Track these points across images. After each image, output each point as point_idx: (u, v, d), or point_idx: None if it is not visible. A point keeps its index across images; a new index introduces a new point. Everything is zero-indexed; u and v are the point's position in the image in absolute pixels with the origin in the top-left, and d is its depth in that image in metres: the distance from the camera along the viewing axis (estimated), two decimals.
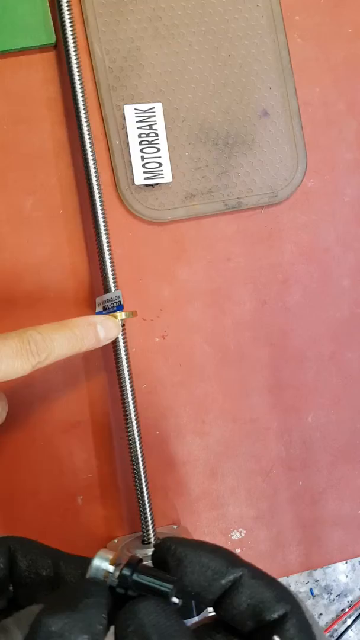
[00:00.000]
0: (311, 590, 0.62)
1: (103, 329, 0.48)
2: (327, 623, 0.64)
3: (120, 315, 0.52)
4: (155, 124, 0.57)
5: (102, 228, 0.54)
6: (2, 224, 0.55)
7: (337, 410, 0.61)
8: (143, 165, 0.57)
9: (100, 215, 0.54)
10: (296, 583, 0.62)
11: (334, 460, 0.61)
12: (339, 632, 0.64)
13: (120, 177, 0.57)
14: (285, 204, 0.60)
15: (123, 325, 0.54)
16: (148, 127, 0.57)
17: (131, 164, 0.57)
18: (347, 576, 0.64)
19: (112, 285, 0.54)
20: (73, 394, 0.56)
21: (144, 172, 0.57)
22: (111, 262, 0.54)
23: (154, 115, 0.57)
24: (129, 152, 0.57)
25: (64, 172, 0.56)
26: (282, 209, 0.60)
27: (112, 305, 0.53)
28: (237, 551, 0.59)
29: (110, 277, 0.54)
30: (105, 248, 0.54)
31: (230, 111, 0.58)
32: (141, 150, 0.57)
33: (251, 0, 0.59)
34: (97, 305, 0.55)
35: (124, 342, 0.54)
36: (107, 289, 0.54)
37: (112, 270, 0.54)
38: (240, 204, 0.59)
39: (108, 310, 0.53)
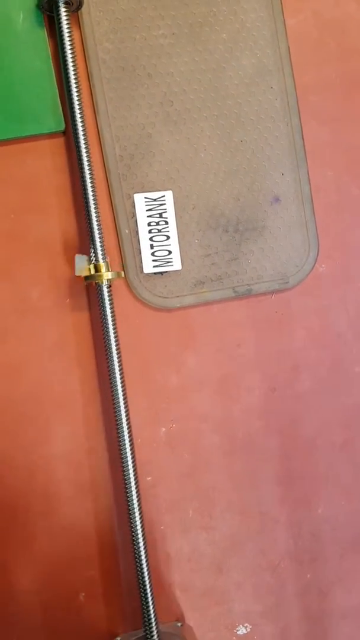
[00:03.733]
0: None
1: None
2: None
3: None
4: (165, 212, 0.57)
5: (110, 320, 0.53)
6: (7, 313, 0.55)
7: (348, 501, 0.60)
8: (152, 254, 0.56)
9: (107, 306, 0.53)
10: None
11: (343, 553, 0.60)
12: None
13: (129, 266, 0.56)
14: (296, 290, 0.60)
15: (126, 403, 0.53)
16: (158, 215, 0.56)
17: (140, 252, 0.56)
18: None
19: (117, 374, 0.53)
20: (75, 488, 0.55)
21: (153, 260, 0.56)
22: (119, 356, 0.53)
23: (164, 204, 0.57)
24: (138, 240, 0.56)
25: (71, 261, 0.55)
26: (293, 294, 0.60)
27: None
28: None
29: (117, 369, 0.53)
30: (113, 340, 0.53)
31: (241, 197, 0.58)
32: (150, 239, 0.56)
33: (265, 83, 0.58)
34: None
35: (128, 433, 0.53)
36: (113, 379, 0.53)
37: (120, 366, 0.54)
38: (250, 291, 0.58)
39: None
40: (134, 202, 0.56)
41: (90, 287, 0.56)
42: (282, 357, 0.60)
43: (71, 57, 0.53)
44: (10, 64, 0.54)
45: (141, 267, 0.57)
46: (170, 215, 0.57)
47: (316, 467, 0.60)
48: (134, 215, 0.57)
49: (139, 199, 0.56)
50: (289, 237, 0.59)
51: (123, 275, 0.55)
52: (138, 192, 0.56)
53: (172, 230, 0.57)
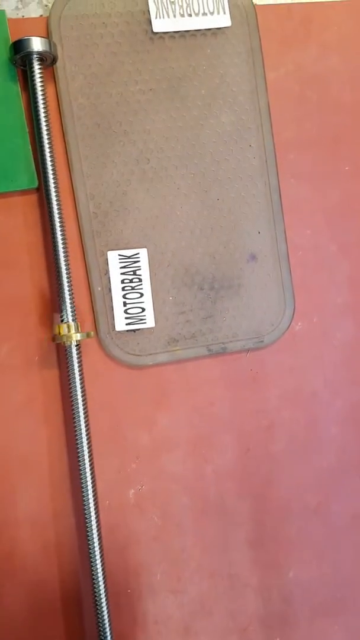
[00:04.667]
0: None
1: None
2: None
3: None
4: (140, 269, 0.56)
5: (78, 380, 0.53)
6: None
7: (319, 564, 0.59)
8: (125, 311, 0.56)
9: (76, 367, 0.52)
10: None
11: (313, 616, 0.59)
12: None
13: (100, 323, 0.55)
14: (271, 348, 0.59)
15: (94, 481, 0.52)
16: (132, 273, 0.56)
17: (112, 309, 0.56)
18: None
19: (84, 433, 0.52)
20: (41, 550, 0.54)
21: (126, 318, 0.56)
22: (86, 417, 0.53)
23: (139, 261, 0.56)
24: (111, 298, 0.56)
25: (42, 320, 0.55)
26: (268, 352, 0.59)
27: None
28: None
29: (84, 430, 0.52)
30: (80, 400, 0.52)
31: (217, 255, 0.57)
32: (124, 296, 0.56)
33: (244, 140, 0.58)
34: None
35: (93, 496, 0.52)
36: (79, 439, 0.52)
37: (87, 427, 0.53)
38: (225, 349, 0.58)
39: None
40: (107, 260, 0.56)
41: (60, 345, 0.55)
42: (257, 417, 0.59)
43: (44, 114, 0.53)
44: None
45: (113, 325, 0.56)
46: (145, 272, 0.56)
47: (288, 530, 0.59)
48: (107, 272, 0.56)
49: (113, 256, 0.56)
50: (265, 295, 0.59)
51: (93, 335, 0.54)
52: (112, 250, 0.56)
53: (146, 287, 0.56)
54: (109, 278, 0.56)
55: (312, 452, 0.60)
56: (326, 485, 0.60)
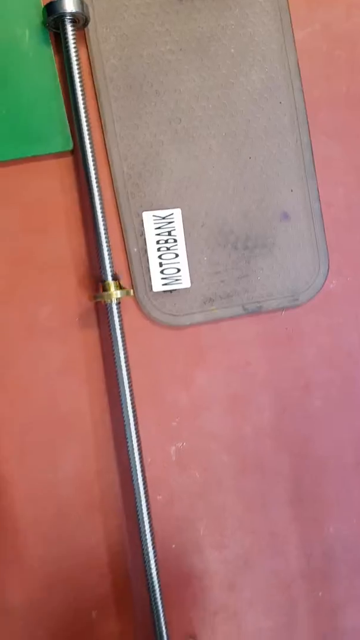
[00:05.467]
0: None
1: None
2: None
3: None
4: (174, 229, 0.56)
5: (119, 338, 0.53)
6: (16, 335, 0.55)
7: (359, 521, 0.60)
8: (161, 272, 0.56)
9: (117, 324, 0.53)
10: None
11: (354, 572, 0.60)
12: None
13: (138, 284, 0.56)
14: (306, 307, 0.59)
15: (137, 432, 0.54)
16: (167, 234, 0.56)
17: (149, 270, 0.56)
18: None
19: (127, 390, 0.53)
20: (86, 509, 0.55)
21: (162, 279, 0.56)
22: (128, 374, 0.54)
23: (173, 222, 0.56)
24: (147, 259, 0.56)
25: (81, 281, 0.55)
26: (303, 311, 0.59)
27: None
28: None
29: (127, 388, 0.53)
30: (122, 358, 0.53)
31: (250, 214, 0.58)
32: (159, 257, 0.56)
33: (274, 98, 0.58)
34: None
35: (138, 453, 0.53)
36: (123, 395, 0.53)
37: (130, 385, 0.54)
38: (260, 308, 0.58)
39: None
40: (142, 221, 0.56)
41: (100, 306, 0.56)
42: (293, 376, 0.60)
43: (78, 76, 0.53)
44: (17, 83, 0.54)
45: (150, 286, 0.57)
46: (179, 233, 0.57)
47: (327, 487, 0.60)
48: (142, 233, 0.56)
49: (148, 217, 0.56)
50: (299, 254, 0.59)
51: (132, 293, 0.55)
52: (147, 210, 0.56)
53: (181, 248, 0.57)
54: (144, 239, 0.57)
55: (349, 410, 0.60)
56: None
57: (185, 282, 0.57)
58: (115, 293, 0.53)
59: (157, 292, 0.57)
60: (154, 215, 0.57)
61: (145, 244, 0.57)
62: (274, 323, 0.60)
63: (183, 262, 0.57)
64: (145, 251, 0.57)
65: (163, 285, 0.57)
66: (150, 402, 0.58)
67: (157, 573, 0.55)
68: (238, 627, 0.59)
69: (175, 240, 0.57)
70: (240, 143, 0.58)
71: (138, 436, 0.54)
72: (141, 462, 0.54)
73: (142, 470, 0.54)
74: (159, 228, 0.57)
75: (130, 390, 0.54)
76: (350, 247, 0.60)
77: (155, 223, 0.57)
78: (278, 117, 0.59)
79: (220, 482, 0.58)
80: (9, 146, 0.54)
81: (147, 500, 0.54)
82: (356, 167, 0.60)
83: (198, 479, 0.58)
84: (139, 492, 0.54)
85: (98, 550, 0.56)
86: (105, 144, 0.56)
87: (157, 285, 0.57)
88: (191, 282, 0.58)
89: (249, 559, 0.59)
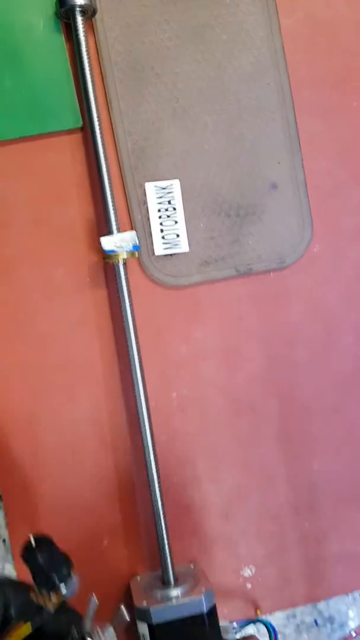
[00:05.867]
0: (315, 620, 0.69)
1: None
2: None
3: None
4: (174, 199, 0.63)
5: (126, 295, 0.60)
6: (36, 293, 0.62)
7: (340, 458, 0.68)
8: (162, 237, 0.63)
9: (124, 282, 0.60)
10: (302, 614, 0.68)
11: (336, 504, 0.68)
12: None
13: (141, 248, 0.63)
14: (292, 268, 0.66)
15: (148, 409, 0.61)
16: (167, 202, 0.63)
17: (151, 235, 0.63)
18: (348, 607, 0.70)
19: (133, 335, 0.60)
20: (98, 444, 0.63)
21: (163, 243, 0.63)
22: (134, 328, 0.60)
23: (172, 192, 0.63)
24: (150, 225, 0.63)
25: (91, 245, 0.62)
26: (289, 273, 0.66)
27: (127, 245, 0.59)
28: (248, 586, 0.66)
29: (134, 340, 0.60)
30: (129, 313, 0.60)
31: (241, 185, 0.65)
32: (161, 224, 0.63)
33: (262, 80, 0.65)
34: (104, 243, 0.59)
35: (144, 397, 0.60)
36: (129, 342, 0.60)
37: (134, 330, 0.60)
38: (251, 270, 0.65)
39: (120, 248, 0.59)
40: (145, 191, 0.63)
41: (108, 267, 0.63)
42: (280, 330, 0.67)
43: (87, 60, 0.60)
44: (33, 67, 0.61)
45: (152, 250, 0.64)
46: (178, 202, 0.64)
47: (311, 428, 0.67)
48: (145, 202, 0.63)
49: (150, 187, 0.63)
50: (286, 220, 0.66)
51: (137, 255, 0.62)
52: (149, 181, 0.63)
53: (180, 215, 0.64)
54: (147, 207, 0.63)
55: (329, 359, 0.68)
56: (343, 389, 0.68)
57: (184, 246, 0.64)
58: (122, 254, 0.60)
59: (159, 256, 0.64)
60: (155, 186, 0.63)
61: (148, 212, 0.64)
62: (263, 283, 0.67)
63: (182, 228, 0.64)
64: (148, 218, 0.64)
65: (164, 249, 0.64)
66: (153, 354, 0.65)
67: (162, 504, 0.62)
68: (233, 554, 0.66)
69: (174, 209, 0.64)
70: (232, 120, 0.65)
71: (144, 383, 0.61)
72: (147, 405, 0.61)
73: (148, 413, 0.62)
74: (160, 197, 0.64)
75: (137, 342, 0.61)
76: (332, 215, 0.67)
77: (156, 193, 0.63)
78: (266, 96, 0.65)
79: (216, 423, 0.66)
80: (26, 124, 0.61)
81: (152, 439, 0.62)
82: (336, 141, 0.67)
83: (196, 420, 0.65)
84: (146, 432, 0.62)
85: (109, 482, 0.63)
86: (111, 122, 0.63)
87: (159, 249, 0.64)
88: (189, 247, 0.64)
89: (242, 492, 0.66)
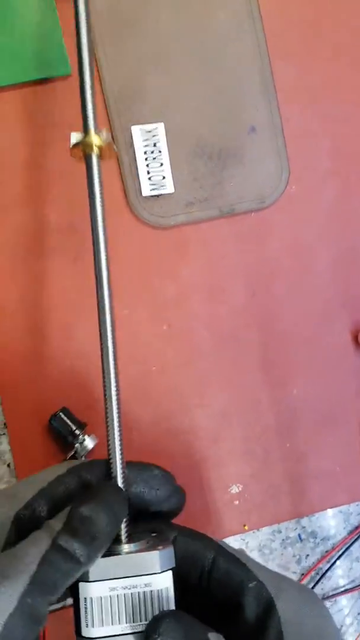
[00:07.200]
0: (299, 535, 0.76)
1: None
2: (313, 562, 0.77)
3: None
4: (159, 141, 0.68)
5: (97, 190, 0.51)
6: (32, 236, 0.66)
7: (317, 384, 0.74)
8: (149, 179, 0.67)
9: (96, 175, 0.50)
10: (286, 529, 0.75)
11: (315, 426, 0.74)
12: (324, 570, 0.78)
13: (129, 189, 0.67)
14: (272, 208, 0.71)
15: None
16: (152, 145, 0.67)
17: (138, 177, 0.67)
18: (329, 523, 0.77)
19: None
20: (95, 378, 0.68)
21: (150, 185, 0.68)
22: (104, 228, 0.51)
23: (157, 135, 0.67)
24: (137, 167, 0.67)
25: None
26: (269, 212, 0.71)
27: None
28: (236, 503, 0.72)
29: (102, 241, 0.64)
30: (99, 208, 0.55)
31: (222, 129, 0.69)
32: (147, 165, 0.67)
33: (239, 29, 0.69)
34: None
35: (110, 317, 0.65)
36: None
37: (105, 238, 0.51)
38: (233, 210, 0.70)
39: None
40: (131, 134, 0.67)
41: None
42: (261, 266, 0.72)
43: (76, 9, 0.63)
44: (22, 16, 0.64)
45: (140, 191, 0.68)
46: (163, 145, 0.68)
47: (290, 356, 0.73)
48: (132, 145, 0.67)
49: (136, 130, 0.67)
50: (265, 163, 0.71)
51: (114, 148, 0.53)
52: (134, 125, 0.67)
53: (165, 158, 0.68)
54: (134, 150, 0.68)
55: (307, 293, 0.73)
56: (319, 321, 0.74)
57: (169, 187, 0.69)
58: (94, 138, 0.50)
59: (146, 197, 0.69)
60: (140, 129, 0.68)
61: (135, 154, 0.68)
62: (245, 223, 0.72)
63: (167, 170, 0.69)
64: (135, 160, 0.68)
65: (151, 190, 0.68)
66: (142, 293, 0.70)
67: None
68: (220, 472, 0.72)
69: (160, 151, 0.68)
70: (212, 68, 0.69)
71: (111, 298, 0.51)
72: (112, 329, 0.53)
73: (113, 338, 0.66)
74: (145, 140, 0.68)
75: (105, 244, 0.51)
76: (306, 157, 0.72)
77: (142, 136, 0.68)
78: (243, 44, 0.69)
79: (202, 354, 0.71)
80: (17, 71, 0.65)
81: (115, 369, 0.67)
82: (307, 87, 0.72)
83: (184, 352, 0.71)
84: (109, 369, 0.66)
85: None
86: (98, 69, 0.66)
87: (146, 190, 0.68)
88: (174, 188, 0.69)
89: (227, 416, 0.72)
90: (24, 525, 0.35)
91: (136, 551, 0.36)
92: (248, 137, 0.70)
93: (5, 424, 0.68)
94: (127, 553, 0.36)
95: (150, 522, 0.42)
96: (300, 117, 0.72)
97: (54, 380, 0.69)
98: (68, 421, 0.65)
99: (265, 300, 0.73)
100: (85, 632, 0.35)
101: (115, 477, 0.40)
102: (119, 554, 0.36)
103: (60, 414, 0.65)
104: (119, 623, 0.34)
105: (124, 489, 0.40)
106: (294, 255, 0.73)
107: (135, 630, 0.34)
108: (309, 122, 0.73)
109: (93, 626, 0.34)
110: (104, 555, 0.35)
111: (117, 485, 0.39)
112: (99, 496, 0.36)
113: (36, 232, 0.67)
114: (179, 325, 0.71)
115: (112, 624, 0.34)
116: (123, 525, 0.38)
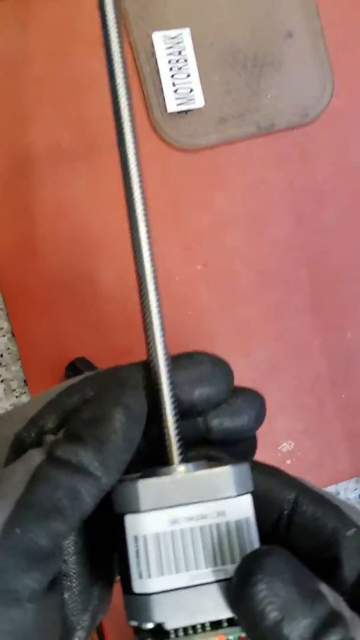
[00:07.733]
0: (359, 495, 0.67)
1: None
2: None
3: None
4: (184, 49, 0.59)
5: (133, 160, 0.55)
6: (42, 158, 0.57)
7: None
8: (175, 92, 0.59)
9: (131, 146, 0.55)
10: (345, 490, 0.67)
11: None
12: None
13: (152, 105, 0.59)
14: (316, 124, 0.63)
15: None
16: (177, 53, 0.59)
17: (162, 91, 0.59)
18: None
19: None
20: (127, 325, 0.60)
21: (176, 99, 0.59)
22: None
23: (182, 42, 0.59)
24: (160, 79, 0.59)
25: (97, 104, 0.58)
26: (313, 129, 0.63)
27: None
28: (287, 462, 0.63)
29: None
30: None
31: (256, 33, 0.60)
32: (172, 77, 0.59)
33: None
34: None
35: (151, 266, 0.56)
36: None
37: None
38: (273, 125, 0.61)
39: None
40: (152, 41, 0.58)
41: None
42: (307, 191, 0.63)
43: None
44: None
45: (165, 106, 0.59)
46: (190, 52, 0.59)
47: (343, 296, 0.64)
48: (153, 54, 0.59)
49: (158, 37, 0.58)
50: (305, 72, 0.62)
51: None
52: (156, 31, 0.58)
53: (192, 67, 0.59)
54: (156, 60, 0.59)
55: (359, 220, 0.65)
56: None
57: (198, 101, 0.60)
58: None
59: (172, 114, 0.60)
60: (164, 36, 0.59)
61: (157, 65, 0.59)
62: (286, 141, 0.63)
63: (195, 81, 0.60)
64: (158, 72, 0.59)
65: (177, 105, 0.60)
66: (173, 226, 0.61)
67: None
68: (270, 429, 0.64)
69: (186, 60, 0.59)
70: None
71: (150, 241, 0.53)
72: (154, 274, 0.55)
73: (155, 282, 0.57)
74: (169, 48, 0.59)
75: (142, 192, 0.52)
76: (352, 65, 0.63)
77: (165, 43, 0.59)
78: None
79: (243, 296, 0.63)
80: None
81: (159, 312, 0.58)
82: None
83: (223, 294, 0.62)
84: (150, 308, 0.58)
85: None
86: None
87: (172, 105, 0.59)
88: (205, 102, 0.60)
89: (275, 365, 0.63)
90: (26, 449, 0.27)
91: (199, 470, 0.26)
92: (285, 43, 0.61)
93: (25, 381, 0.60)
94: (187, 473, 0.26)
95: (203, 448, 0.32)
96: (343, 20, 0.63)
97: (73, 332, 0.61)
98: (84, 370, 0.58)
99: (313, 232, 0.64)
100: (138, 587, 0.24)
101: (157, 370, 0.28)
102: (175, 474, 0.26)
103: (76, 363, 0.57)
104: (186, 570, 0.24)
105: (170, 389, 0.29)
106: (344, 177, 0.64)
107: (208, 580, 0.25)
108: (352, 26, 0.63)
109: (149, 576, 0.24)
110: (154, 475, 0.26)
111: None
112: (109, 393, 0.26)
113: (48, 155, 0.58)
114: (215, 264, 0.62)
115: (176, 571, 0.24)
116: (174, 441, 0.27)
